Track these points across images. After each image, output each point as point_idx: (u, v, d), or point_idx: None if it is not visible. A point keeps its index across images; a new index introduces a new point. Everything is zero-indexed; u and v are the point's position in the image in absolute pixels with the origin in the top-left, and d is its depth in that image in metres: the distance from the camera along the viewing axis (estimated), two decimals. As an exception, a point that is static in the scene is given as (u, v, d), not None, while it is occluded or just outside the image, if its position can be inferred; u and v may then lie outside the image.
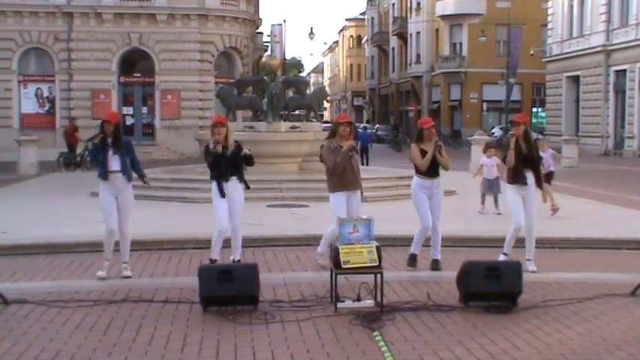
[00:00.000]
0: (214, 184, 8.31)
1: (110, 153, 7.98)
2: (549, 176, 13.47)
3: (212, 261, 8.24)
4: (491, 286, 6.84)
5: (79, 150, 25.61)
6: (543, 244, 10.38)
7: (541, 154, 13.20)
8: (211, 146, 8.20)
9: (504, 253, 8.49)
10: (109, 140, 8.00)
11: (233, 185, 8.31)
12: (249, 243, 10.39)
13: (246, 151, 8.25)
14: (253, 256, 9.42)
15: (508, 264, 7.25)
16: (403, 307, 6.78)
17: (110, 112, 8.36)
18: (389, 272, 7.81)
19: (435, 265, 8.54)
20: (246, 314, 6.58)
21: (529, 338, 5.93)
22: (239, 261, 8.37)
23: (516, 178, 8.45)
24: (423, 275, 8.29)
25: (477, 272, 6.86)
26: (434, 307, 6.83)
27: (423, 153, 8.39)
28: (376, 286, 6.81)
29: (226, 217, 8.27)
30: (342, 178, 8.27)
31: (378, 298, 6.75)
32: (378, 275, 6.79)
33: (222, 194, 8.25)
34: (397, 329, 6.15)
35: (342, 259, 6.78)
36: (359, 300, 6.90)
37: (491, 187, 13.50)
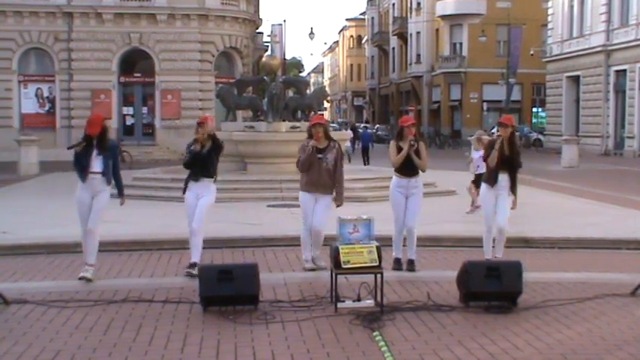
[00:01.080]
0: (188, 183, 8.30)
1: (94, 154, 7.87)
2: (478, 178, 13.15)
3: (191, 265, 8.08)
4: (491, 286, 6.83)
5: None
6: (543, 244, 10.41)
7: (473, 154, 13.31)
8: (192, 144, 8.21)
9: (487, 259, 8.37)
10: (94, 141, 7.90)
11: (202, 185, 8.23)
12: (249, 243, 10.42)
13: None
14: (253, 256, 9.43)
15: (508, 264, 7.24)
16: (403, 307, 6.78)
17: (92, 119, 8.06)
18: (389, 272, 7.82)
19: (410, 266, 8.41)
20: (247, 314, 6.58)
21: (529, 338, 5.93)
22: (195, 264, 8.02)
23: (494, 179, 8.47)
24: (423, 275, 8.28)
25: (477, 272, 6.86)
26: (434, 307, 6.83)
27: (400, 151, 8.35)
28: (376, 286, 6.81)
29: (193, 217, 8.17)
30: (307, 177, 8.29)
31: (378, 298, 6.75)
32: (379, 275, 6.79)
33: (183, 191, 8.30)
34: (397, 329, 6.15)
35: (342, 259, 6.78)
36: (359, 300, 6.90)
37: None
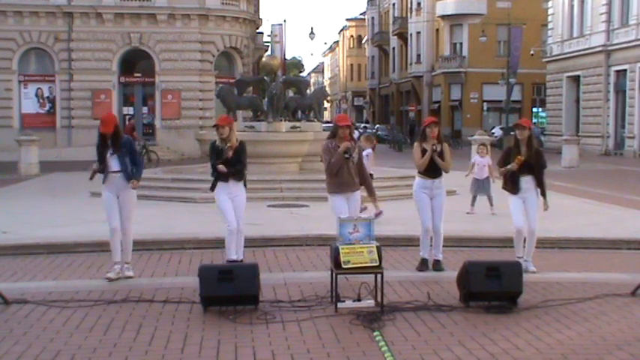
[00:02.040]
0: (218, 183, 8.37)
1: (109, 153, 7.97)
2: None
3: (231, 262, 8.16)
4: (491, 286, 6.84)
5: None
6: (543, 244, 10.39)
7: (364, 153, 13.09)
8: (218, 143, 8.28)
9: (518, 257, 8.37)
10: (109, 141, 7.99)
11: (234, 185, 8.34)
12: (249, 243, 10.37)
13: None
14: (253, 256, 9.42)
15: (508, 264, 7.24)
16: (403, 307, 6.78)
17: (105, 118, 8.09)
18: (389, 272, 7.81)
19: (437, 266, 8.50)
20: (247, 314, 6.58)
21: (529, 338, 5.92)
22: (241, 261, 8.32)
23: (513, 186, 8.43)
24: (423, 275, 8.28)
25: (477, 272, 6.86)
26: (434, 307, 6.83)
27: (424, 152, 8.41)
28: (376, 286, 6.81)
29: (234, 216, 8.30)
30: (338, 178, 8.25)
31: (379, 298, 6.76)
32: (379, 275, 6.79)
33: (211, 187, 8.41)
34: (397, 329, 6.15)
35: (342, 259, 6.78)
36: (359, 300, 6.90)
37: (481, 187, 13.47)
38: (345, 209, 8.17)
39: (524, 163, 8.31)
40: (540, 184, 8.45)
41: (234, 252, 8.36)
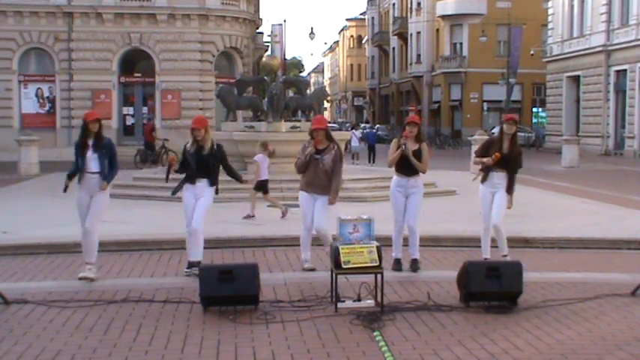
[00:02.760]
0: (185, 184, 8.29)
1: (89, 153, 7.89)
2: (263, 184, 12.97)
3: (192, 264, 8.06)
4: (491, 286, 6.84)
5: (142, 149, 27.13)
6: (543, 244, 10.40)
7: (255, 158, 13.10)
8: (188, 146, 8.21)
9: (485, 258, 8.39)
10: (90, 141, 7.92)
11: (202, 187, 8.20)
12: (249, 243, 10.42)
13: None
14: (253, 256, 9.43)
15: (508, 264, 7.25)
16: (403, 307, 6.78)
17: (90, 111, 8.15)
18: (389, 272, 7.82)
19: (414, 265, 8.42)
20: (247, 314, 6.58)
21: (529, 338, 5.93)
22: (199, 263, 8.01)
23: (485, 175, 8.47)
24: (423, 275, 8.28)
25: (477, 272, 6.86)
26: (434, 307, 6.83)
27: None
28: (376, 286, 6.82)
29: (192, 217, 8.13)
30: (305, 177, 8.36)
31: (379, 298, 6.76)
32: (379, 275, 6.79)
33: (173, 192, 8.41)
34: (397, 329, 6.15)
35: (342, 259, 6.78)
36: (359, 300, 6.90)
37: None
38: (307, 208, 8.28)
39: (502, 159, 8.31)
40: (510, 182, 8.46)
41: (194, 254, 8.13)
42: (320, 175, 8.22)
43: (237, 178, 8.79)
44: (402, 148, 8.27)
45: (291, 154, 17.57)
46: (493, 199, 8.45)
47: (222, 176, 8.50)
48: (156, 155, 26.62)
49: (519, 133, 27.93)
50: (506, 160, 8.36)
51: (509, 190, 8.48)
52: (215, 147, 8.26)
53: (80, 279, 7.92)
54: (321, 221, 8.23)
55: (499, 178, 8.42)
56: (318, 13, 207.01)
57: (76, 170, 7.96)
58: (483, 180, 8.53)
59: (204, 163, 8.16)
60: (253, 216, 12.37)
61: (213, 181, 8.26)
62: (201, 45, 35.08)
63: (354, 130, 31.61)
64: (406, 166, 8.35)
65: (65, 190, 8.04)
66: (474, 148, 24.47)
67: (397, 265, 8.47)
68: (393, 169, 8.50)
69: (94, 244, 8.07)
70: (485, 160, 8.39)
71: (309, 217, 8.31)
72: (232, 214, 12.44)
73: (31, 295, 7.20)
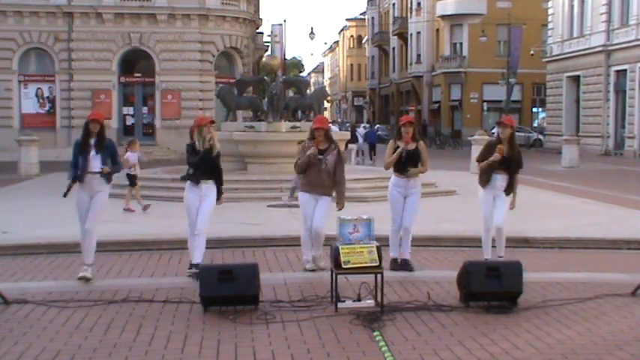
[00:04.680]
0: (188, 184, 8.17)
1: (92, 153, 7.88)
2: (134, 178, 13.55)
3: (193, 266, 8.03)
4: (491, 286, 6.84)
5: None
6: (543, 244, 10.41)
7: (127, 155, 13.43)
8: (198, 146, 8.07)
9: (486, 259, 8.36)
10: (92, 141, 7.92)
11: (207, 189, 8.15)
12: (249, 243, 10.42)
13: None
14: (253, 256, 9.43)
15: (508, 264, 7.24)
16: (403, 307, 6.78)
17: (96, 111, 8.18)
18: (389, 272, 7.82)
19: (405, 266, 8.40)
20: (247, 314, 6.58)
21: (529, 338, 5.93)
22: (197, 265, 7.92)
23: (486, 180, 8.44)
24: (423, 275, 8.28)
25: (477, 272, 6.86)
26: (434, 307, 6.83)
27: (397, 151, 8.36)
28: (376, 286, 6.82)
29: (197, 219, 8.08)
30: (306, 178, 8.31)
31: (379, 298, 6.76)
32: (379, 275, 6.79)
33: (183, 178, 8.27)
34: (397, 329, 6.15)
35: (342, 259, 6.78)
36: (359, 300, 6.90)
37: None
38: (309, 209, 8.23)
39: (504, 160, 8.29)
40: (512, 182, 8.43)
41: (196, 255, 8.07)
42: (323, 175, 8.21)
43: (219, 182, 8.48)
44: (400, 151, 8.24)
45: (291, 154, 17.60)
46: (494, 201, 8.43)
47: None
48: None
49: (519, 133, 27.74)
50: (506, 162, 8.34)
51: (509, 191, 8.45)
52: (218, 149, 8.23)
53: (79, 279, 7.91)
54: (321, 222, 8.21)
55: (501, 180, 8.40)
56: (318, 13, 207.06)
57: (76, 172, 7.92)
58: (485, 184, 8.48)
59: (211, 165, 8.13)
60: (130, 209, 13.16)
61: (219, 184, 8.24)
62: (201, 45, 35.08)
63: (358, 129, 32.65)
64: (405, 166, 8.33)
65: (66, 195, 7.97)
66: (474, 148, 24.52)
67: (395, 264, 8.46)
68: (391, 169, 8.49)
69: (94, 245, 8.07)
70: (492, 158, 8.33)
71: (309, 218, 8.29)
72: (233, 214, 12.43)
73: (31, 295, 7.20)
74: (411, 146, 8.31)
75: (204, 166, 8.07)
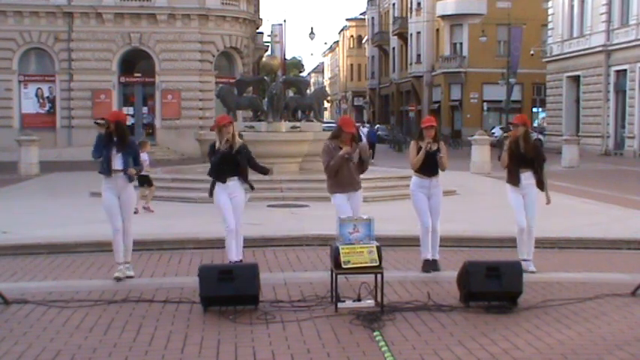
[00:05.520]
0: (216, 184, 8.31)
1: (114, 151, 7.96)
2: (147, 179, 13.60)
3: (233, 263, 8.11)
4: (491, 286, 6.83)
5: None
6: (543, 244, 10.39)
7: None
8: (218, 145, 8.20)
9: (524, 260, 8.25)
10: (115, 138, 7.99)
11: (234, 186, 8.30)
12: (249, 243, 10.37)
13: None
14: (253, 256, 9.42)
15: (508, 264, 7.24)
16: (403, 307, 6.78)
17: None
18: (389, 272, 7.81)
19: (434, 266, 8.48)
20: (247, 314, 6.58)
21: (529, 338, 5.93)
22: (241, 261, 8.28)
23: (513, 178, 8.44)
24: (423, 275, 8.28)
25: (477, 272, 6.86)
26: (434, 307, 6.83)
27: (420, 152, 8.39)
28: (376, 286, 6.81)
29: (232, 216, 8.25)
30: (337, 178, 8.27)
31: (379, 298, 6.76)
32: (379, 275, 6.79)
33: (210, 193, 8.40)
34: (397, 329, 6.15)
35: (342, 259, 6.78)
36: (359, 300, 6.90)
37: None
38: (346, 208, 8.15)
39: (523, 158, 8.29)
40: (540, 178, 8.42)
41: (235, 253, 8.31)
42: (352, 172, 8.24)
43: (264, 172, 8.76)
44: (429, 148, 8.27)
45: (290, 154, 17.68)
46: (525, 200, 8.40)
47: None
48: None
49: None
50: (526, 158, 8.35)
51: (540, 185, 8.43)
52: (242, 145, 8.30)
53: (120, 279, 7.96)
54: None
55: (526, 178, 8.38)
56: (318, 13, 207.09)
57: (106, 167, 7.97)
58: (512, 182, 8.46)
59: (234, 162, 8.20)
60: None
61: (244, 179, 8.35)
62: (201, 45, 35.09)
63: (362, 128, 33.19)
64: (428, 167, 8.37)
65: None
66: (474, 148, 24.55)
67: (428, 265, 8.41)
68: (413, 171, 8.51)
69: (131, 244, 8.24)
70: (505, 147, 8.37)
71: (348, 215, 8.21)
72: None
73: (31, 295, 7.20)
74: (434, 146, 8.36)
75: (225, 164, 8.18)
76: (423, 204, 8.45)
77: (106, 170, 7.96)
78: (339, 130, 8.20)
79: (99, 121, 8.31)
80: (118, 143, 7.96)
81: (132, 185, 8.22)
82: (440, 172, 8.50)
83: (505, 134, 8.89)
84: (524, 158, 8.35)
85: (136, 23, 34.54)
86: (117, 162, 7.97)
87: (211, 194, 8.44)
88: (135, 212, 12.81)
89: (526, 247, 8.50)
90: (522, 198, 8.41)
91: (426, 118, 9.16)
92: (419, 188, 8.48)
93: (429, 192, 8.46)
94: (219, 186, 8.30)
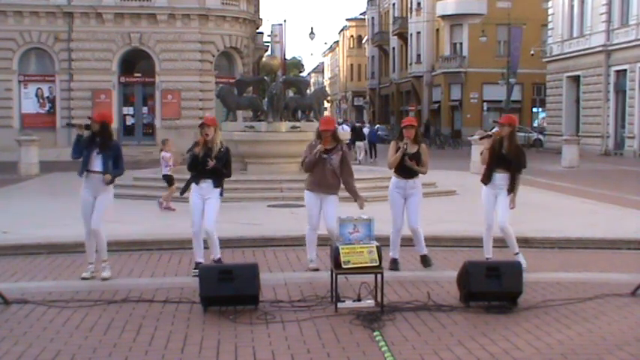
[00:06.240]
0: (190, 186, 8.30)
1: (95, 152, 7.92)
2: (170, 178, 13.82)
3: (197, 264, 8.08)
4: (491, 286, 6.84)
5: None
6: (543, 244, 10.41)
7: (162, 154, 14.14)
8: (197, 152, 8.18)
9: (487, 258, 8.40)
10: (97, 139, 7.94)
11: (207, 188, 8.19)
12: (249, 243, 10.42)
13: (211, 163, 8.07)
14: (253, 256, 9.43)
15: (508, 264, 7.24)
16: (403, 307, 6.78)
17: (101, 111, 8.26)
18: (389, 272, 7.82)
19: (425, 261, 8.51)
20: (247, 314, 6.58)
21: (529, 338, 5.93)
22: (219, 260, 8.17)
23: (485, 177, 8.45)
24: (423, 275, 8.28)
25: (477, 272, 6.86)
26: (434, 307, 6.83)
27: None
28: (376, 286, 6.82)
29: (199, 219, 8.14)
30: (312, 177, 8.33)
31: (379, 298, 6.76)
32: (379, 275, 6.80)
33: (182, 191, 8.42)
34: (397, 329, 6.15)
35: (342, 259, 6.78)
36: (359, 300, 6.90)
37: None
38: (314, 209, 8.26)
39: (503, 158, 8.28)
40: (513, 182, 8.36)
41: (201, 254, 8.19)
42: (328, 174, 8.22)
43: (219, 183, 8.47)
44: (403, 148, 8.27)
45: (290, 154, 17.66)
46: (496, 201, 8.42)
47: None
48: None
49: (519, 133, 27.54)
50: (506, 160, 8.33)
51: (511, 190, 8.42)
52: (223, 149, 8.25)
53: (86, 279, 7.95)
54: (334, 222, 8.15)
55: (501, 179, 8.37)
56: (318, 13, 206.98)
57: (83, 168, 8.00)
58: (486, 181, 8.48)
59: (207, 165, 8.12)
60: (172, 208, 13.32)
61: (218, 183, 8.25)
62: (201, 45, 35.08)
63: (364, 128, 34.07)
64: (406, 169, 8.37)
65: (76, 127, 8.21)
66: (474, 148, 24.53)
67: (394, 264, 8.48)
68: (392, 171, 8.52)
69: (104, 242, 8.11)
70: (488, 135, 8.43)
71: (314, 217, 8.31)
72: (233, 214, 12.43)
73: (31, 295, 7.20)
74: (413, 149, 8.32)
75: (200, 165, 8.11)
76: (397, 205, 8.47)
77: (81, 171, 7.97)
78: (318, 131, 8.27)
79: (75, 121, 8.35)
80: (101, 144, 7.92)
81: (109, 188, 8.11)
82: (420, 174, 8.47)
83: (487, 132, 8.85)
84: (504, 159, 8.31)
85: (136, 23, 34.54)
86: (96, 163, 7.94)
87: (182, 192, 8.49)
88: (168, 209, 13.11)
89: (509, 246, 8.51)
90: (495, 198, 8.41)
91: (407, 117, 9.16)
92: (395, 188, 8.50)
93: (405, 192, 8.45)
94: (193, 187, 8.27)
